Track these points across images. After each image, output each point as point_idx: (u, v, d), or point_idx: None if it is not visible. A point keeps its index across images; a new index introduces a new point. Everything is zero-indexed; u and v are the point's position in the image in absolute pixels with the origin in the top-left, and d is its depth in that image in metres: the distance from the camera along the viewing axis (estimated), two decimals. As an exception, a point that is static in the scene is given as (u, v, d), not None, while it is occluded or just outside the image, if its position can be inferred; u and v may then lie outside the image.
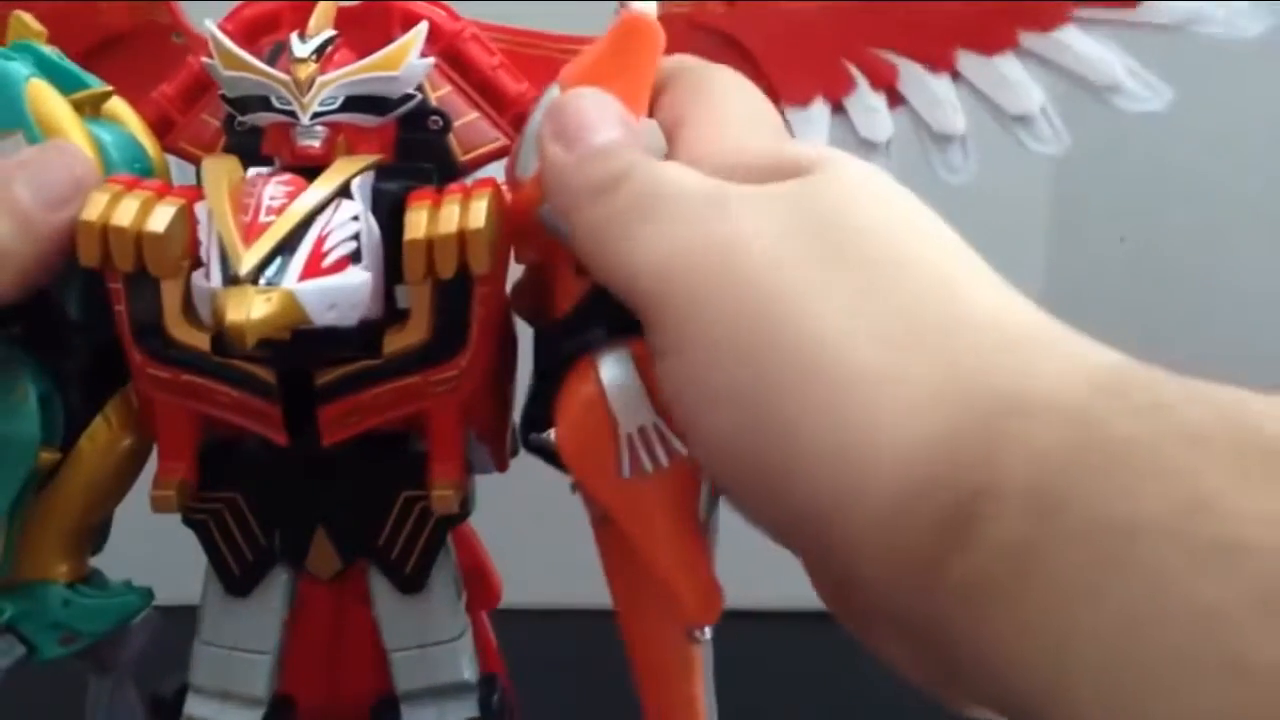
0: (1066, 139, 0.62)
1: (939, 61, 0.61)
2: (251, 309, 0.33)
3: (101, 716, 0.48)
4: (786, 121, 0.61)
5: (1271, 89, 0.82)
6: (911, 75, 0.61)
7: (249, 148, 0.40)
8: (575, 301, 0.40)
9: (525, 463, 0.43)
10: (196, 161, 0.43)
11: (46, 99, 0.40)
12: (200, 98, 0.47)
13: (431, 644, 0.44)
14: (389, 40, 0.41)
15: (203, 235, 0.36)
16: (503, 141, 0.45)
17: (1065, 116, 0.62)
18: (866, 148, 0.62)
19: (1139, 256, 0.87)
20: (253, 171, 0.38)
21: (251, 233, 0.34)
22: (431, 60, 0.42)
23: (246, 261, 0.33)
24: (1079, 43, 0.61)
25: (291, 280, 0.34)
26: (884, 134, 0.62)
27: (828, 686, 0.77)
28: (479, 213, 0.38)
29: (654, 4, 0.41)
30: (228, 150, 0.42)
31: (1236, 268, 0.87)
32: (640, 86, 0.40)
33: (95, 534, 0.44)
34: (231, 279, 0.34)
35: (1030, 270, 0.85)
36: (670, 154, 0.39)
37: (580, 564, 0.43)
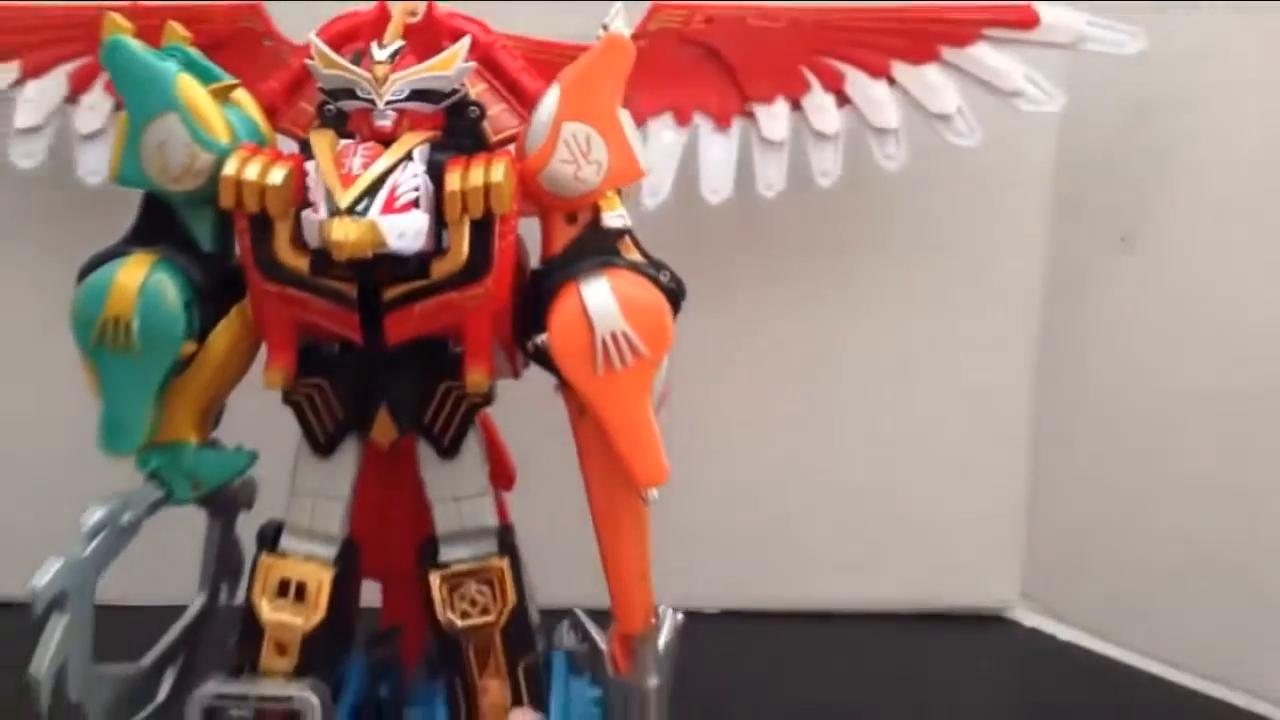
0: (980, 134, 0.77)
1: (877, 69, 0.76)
2: (349, 231, 0.48)
3: (214, 550, 0.64)
4: (754, 115, 0.77)
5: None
6: (855, 80, 0.77)
7: (335, 126, 0.56)
8: (565, 242, 0.56)
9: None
10: (296, 138, 0.59)
11: (192, 89, 0.55)
12: (298, 91, 0.63)
13: (463, 497, 0.59)
14: (440, 49, 0.56)
15: (310, 185, 0.52)
16: (518, 128, 0.60)
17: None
18: (819, 138, 0.78)
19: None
20: (343, 142, 0.53)
21: (347, 181, 0.50)
22: (473, 64, 0.57)
23: (344, 200, 0.49)
24: (989, 56, 0.76)
25: (374, 214, 0.50)
26: (833, 128, 0.77)
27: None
28: (499, 170, 0.53)
29: (627, 28, 0.56)
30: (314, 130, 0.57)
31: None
32: (618, 88, 0.55)
33: (214, 412, 0.59)
34: (334, 212, 0.49)
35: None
36: None
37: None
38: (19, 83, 0.81)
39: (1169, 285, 0.85)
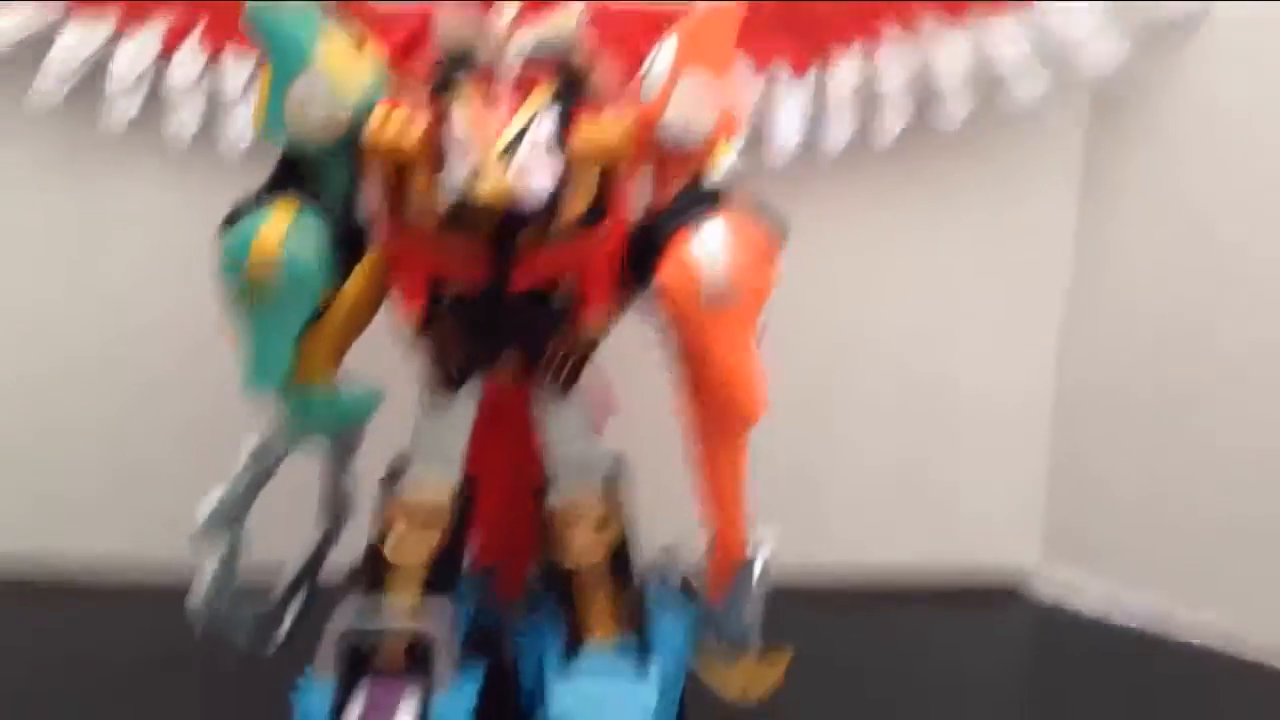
0: (1043, 85, 0.79)
1: (952, 18, 0.79)
2: (495, 181, 0.52)
3: (330, 487, 0.67)
4: (828, 66, 0.79)
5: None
6: (926, 33, 0.79)
7: (459, 82, 0.58)
8: (676, 191, 0.60)
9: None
10: (415, 87, 0.61)
11: (331, 48, 0.58)
12: (416, 48, 0.66)
13: (576, 436, 0.63)
14: (551, 10, 0.59)
15: (451, 138, 0.55)
16: (626, 81, 0.63)
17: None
18: (886, 96, 0.80)
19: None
20: (477, 98, 0.56)
21: (490, 134, 0.54)
22: (586, 24, 0.60)
23: (490, 152, 0.53)
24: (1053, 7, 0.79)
25: (516, 165, 0.54)
26: (900, 80, 0.80)
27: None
28: (624, 123, 0.57)
29: None
30: (441, 80, 0.59)
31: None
32: (731, 41, 0.59)
33: (344, 356, 0.63)
34: (479, 164, 0.53)
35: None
36: None
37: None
38: (113, 40, 0.83)
39: (1202, 238, 0.86)
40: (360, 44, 0.60)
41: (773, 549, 0.62)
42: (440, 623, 0.60)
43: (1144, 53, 0.83)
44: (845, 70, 0.81)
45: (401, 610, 0.61)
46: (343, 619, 0.60)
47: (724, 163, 0.60)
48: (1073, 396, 0.93)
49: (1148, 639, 0.89)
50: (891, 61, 0.81)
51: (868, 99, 0.82)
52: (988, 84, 0.82)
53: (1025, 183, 0.89)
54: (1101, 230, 0.90)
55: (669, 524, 0.66)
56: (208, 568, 0.56)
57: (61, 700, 0.74)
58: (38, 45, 0.82)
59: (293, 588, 0.65)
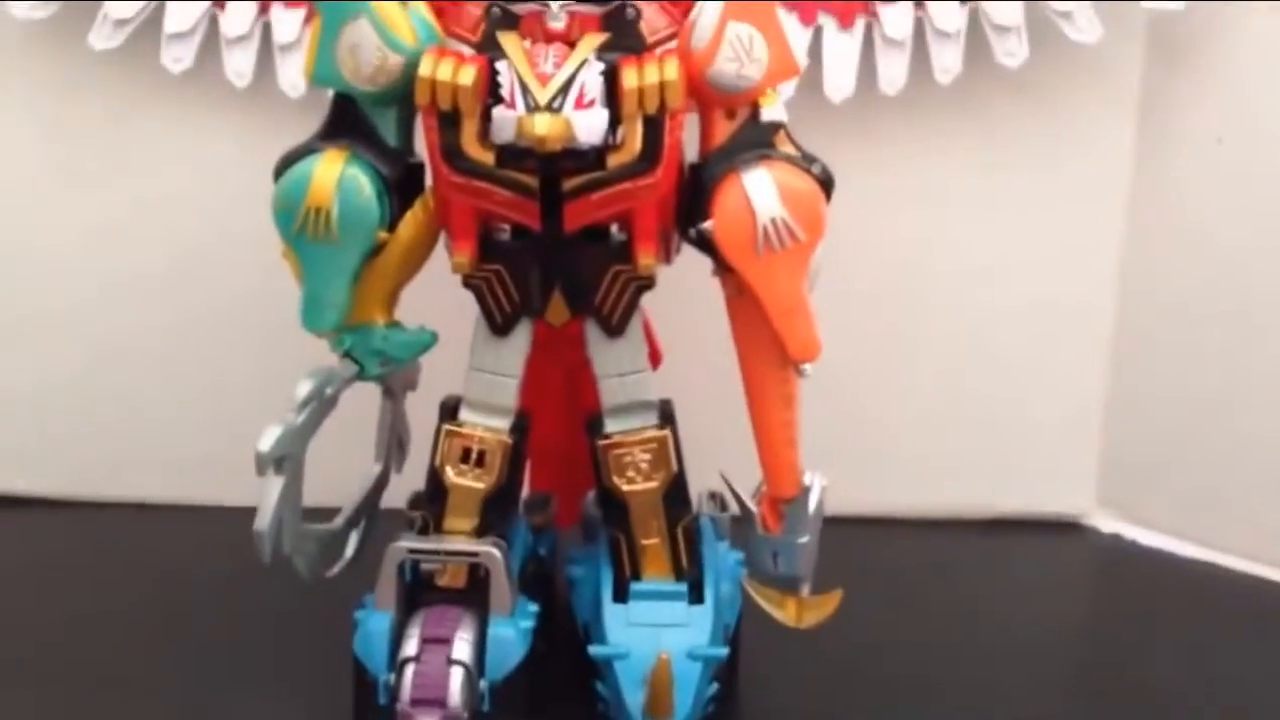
0: (1099, 30, 0.79)
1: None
2: (548, 126, 0.53)
3: (387, 425, 0.70)
4: (877, 14, 0.80)
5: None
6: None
7: (506, 28, 0.60)
8: (726, 137, 0.61)
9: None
10: (466, 40, 0.63)
11: (385, -9, 0.60)
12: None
13: (629, 372, 0.64)
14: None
15: (503, 83, 0.56)
16: (675, 28, 0.63)
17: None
18: (941, 35, 0.81)
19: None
20: (527, 43, 0.58)
21: (542, 80, 0.55)
22: (633, -29, 0.61)
23: (543, 97, 0.54)
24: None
25: (569, 110, 0.55)
26: (955, 25, 0.80)
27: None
28: (672, 69, 0.58)
29: None
30: (487, 32, 0.61)
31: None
32: None
33: (398, 296, 0.65)
34: (533, 108, 0.54)
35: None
36: None
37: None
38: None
39: (1259, 182, 0.86)
40: None
41: (826, 485, 0.64)
42: (498, 548, 0.62)
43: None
44: (895, 17, 0.81)
45: (460, 536, 0.63)
46: (402, 544, 0.63)
47: (773, 108, 0.61)
48: (1132, 330, 0.93)
49: (1207, 570, 0.89)
50: (942, 6, 0.81)
51: (923, 40, 0.82)
52: (1044, 22, 0.82)
53: (1083, 120, 0.89)
54: (1160, 166, 0.90)
55: (717, 467, 0.67)
56: (270, 496, 0.58)
57: (128, 617, 0.78)
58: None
59: (354, 516, 0.68)
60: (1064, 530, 0.96)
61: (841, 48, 0.81)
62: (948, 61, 0.81)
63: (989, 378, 0.94)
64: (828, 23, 0.81)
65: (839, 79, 0.82)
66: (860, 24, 0.81)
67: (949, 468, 0.95)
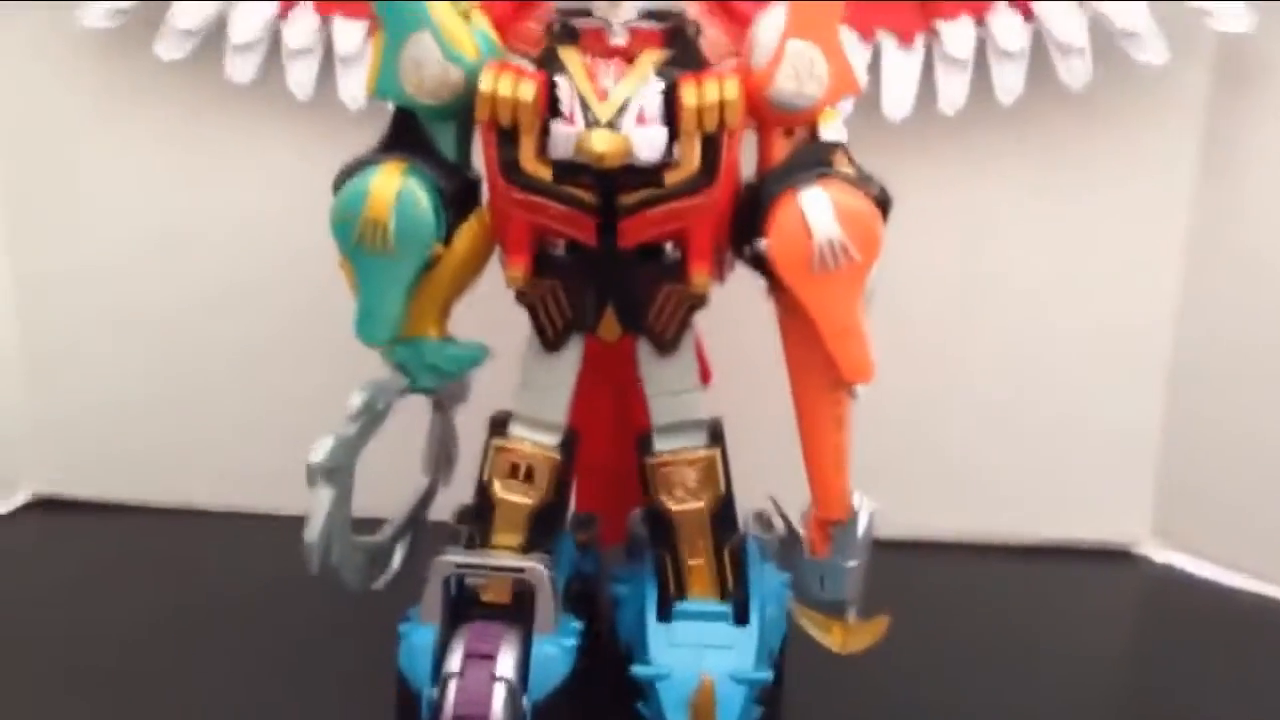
0: (1165, 52, 0.78)
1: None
2: (608, 143, 0.53)
3: (436, 438, 0.70)
4: (937, 33, 0.79)
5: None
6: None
7: (567, 43, 0.60)
8: (784, 155, 0.60)
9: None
10: (526, 55, 0.63)
11: (442, 9, 0.60)
12: (523, 12, 0.67)
13: (680, 391, 0.64)
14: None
15: (563, 99, 0.56)
16: (733, 46, 0.63)
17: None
18: (1003, 55, 0.80)
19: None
20: (588, 58, 0.58)
21: (602, 96, 0.55)
22: (693, -10, 0.61)
23: (604, 113, 0.54)
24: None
25: (629, 127, 0.55)
26: (1019, 44, 0.80)
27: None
28: (732, 88, 0.57)
29: None
30: (548, 47, 0.61)
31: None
32: (841, 7, 0.59)
33: (451, 310, 0.65)
34: (593, 124, 0.54)
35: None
36: None
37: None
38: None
39: None
40: (466, 13, 0.61)
41: (876, 509, 0.63)
42: (544, 564, 0.62)
43: (1270, 16, 0.81)
44: (956, 35, 0.80)
45: (506, 551, 0.63)
46: (449, 557, 0.63)
47: (832, 127, 0.60)
48: (1191, 363, 0.92)
49: (1262, 603, 0.88)
50: (1005, 25, 0.80)
51: (983, 59, 0.81)
52: (1108, 43, 0.81)
53: (1146, 143, 0.88)
54: (1223, 191, 0.88)
55: (765, 488, 0.67)
56: (320, 507, 0.59)
57: (177, 623, 0.80)
58: (162, 4, 0.86)
59: (401, 529, 0.68)
60: (1115, 559, 0.94)
61: (901, 66, 0.81)
62: (1009, 81, 0.80)
63: (1044, 402, 0.93)
64: (887, 40, 0.80)
65: (898, 97, 0.81)
66: (920, 42, 0.80)
67: (1000, 492, 0.94)
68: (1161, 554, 0.94)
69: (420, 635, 0.62)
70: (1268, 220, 0.87)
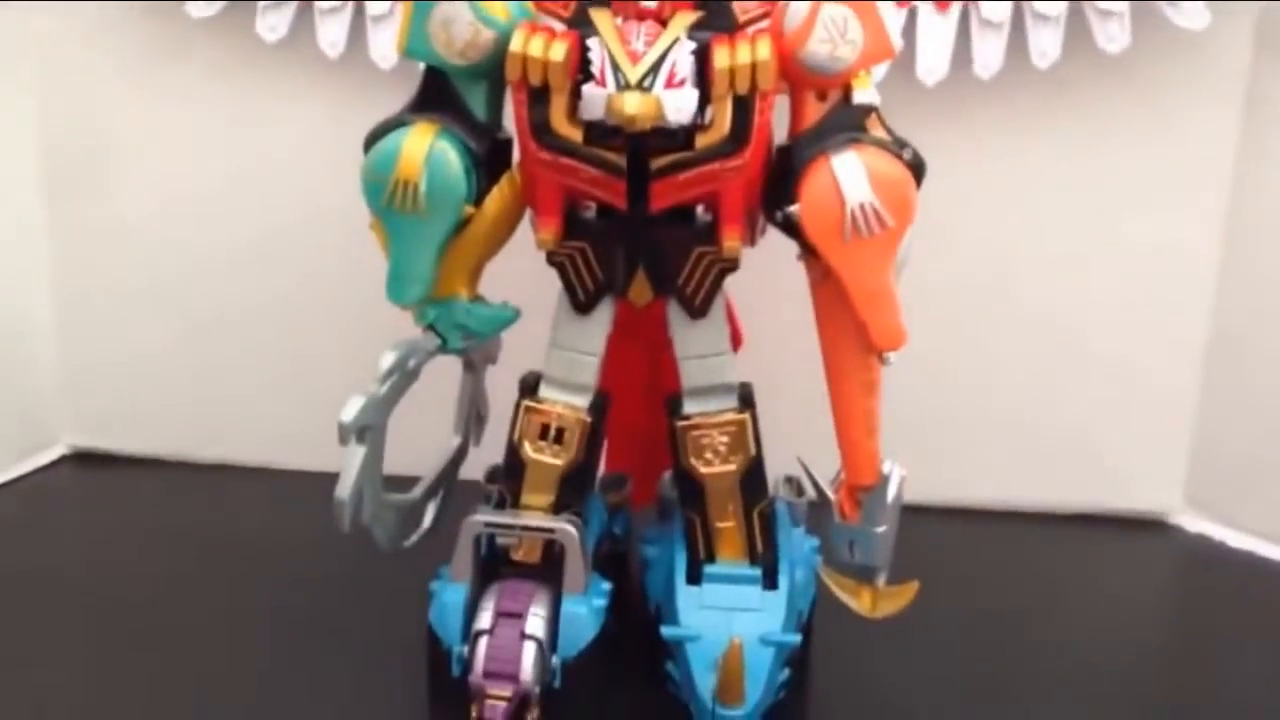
0: (1206, 17, 0.77)
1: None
2: (639, 104, 0.53)
3: (467, 398, 0.70)
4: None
5: None
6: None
7: (600, 5, 0.59)
8: (816, 119, 0.60)
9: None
10: (559, 17, 0.63)
11: (477, -33, 0.60)
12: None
13: (710, 354, 0.64)
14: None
15: (594, 60, 0.56)
16: (765, 8, 0.63)
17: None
18: (1040, 19, 0.79)
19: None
20: (619, 20, 0.57)
21: (634, 58, 0.55)
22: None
23: (634, 75, 0.54)
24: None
25: (659, 89, 0.55)
26: (1056, 9, 0.78)
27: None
28: (765, 49, 0.57)
29: None
30: (579, 8, 0.61)
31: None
32: None
33: (482, 271, 0.65)
34: (623, 86, 0.54)
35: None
36: None
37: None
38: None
39: None
40: None
41: (905, 474, 0.63)
42: (573, 525, 0.62)
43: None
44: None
45: (536, 512, 0.64)
46: (479, 517, 0.63)
47: (866, 91, 0.60)
48: (1226, 333, 0.91)
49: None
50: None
51: (1020, 22, 0.80)
52: (1147, 7, 0.79)
53: (1186, 110, 0.86)
54: (1264, 159, 0.87)
55: (795, 453, 0.67)
56: (352, 465, 0.59)
57: (212, 577, 0.80)
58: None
59: (432, 488, 0.69)
60: (1149, 528, 0.94)
61: (936, 29, 0.80)
62: (1046, 45, 0.79)
63: (1078, 370, 0.92)
64: (923, 4, 0.79)
65: (933, 62, 0.80)
66: (956, 6, 0.79)
67: (1032, 459, 0.94)
68: (1195, 523, 0.94)
69: (451, 593, 0.63)
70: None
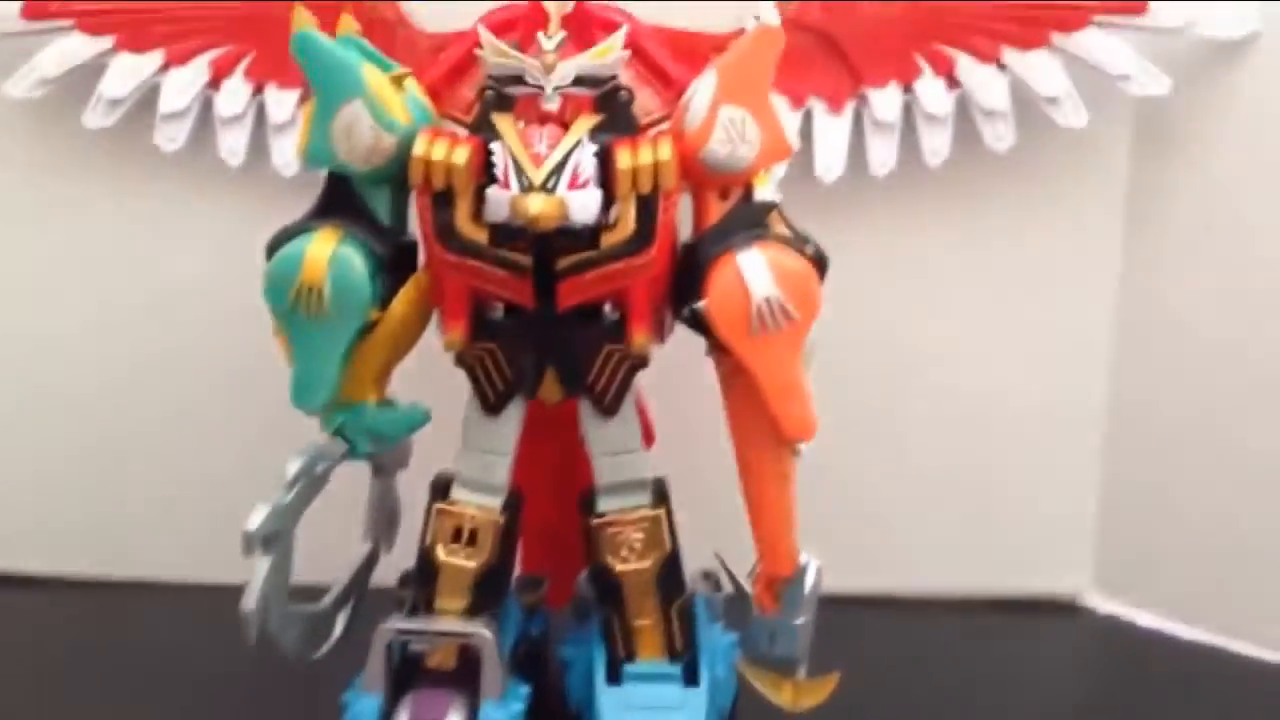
0: (1085, 116, 0.81)
1: (988, 55, 0.81)
2: (543, 205, 0.53)
3: (376, 503, 0.69)
4: (866, 99, 0.81)
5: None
6: (966, 65, 0.81)
7: (500, 110, 0.60)
8: (719, 216, 0.61)
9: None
10: (459, 121, 0.64)
11: (375, 76, 0.60)
12: (458, 77, 0.68)
13: (622, 451, 0.64)
14: (593, 38, 0.61)
15: (498, 162, 0.57)
16: (667, 110, 0.64)
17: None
18: (930, 120, 0.82)
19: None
20: (521, 124, 0.58)
21: (537, 160, 0.55)
22: (627, 53, 0.62)
23: (538, 177, 0.54)
24: (1098, 41, 0.80)
25: (563, 190, 0.55)
26: (944, 110, 0.82)
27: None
28: (666, 149, 0.58)
29: (778, 17, 0.61)
30: (481, 113, 0.61)
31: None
32: (771, 73, 0.60)
33: (390, 374, 0.64)
34: (527, 188, 0.55)
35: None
36: None
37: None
38: (163, 69, 0.86)
39: (1246, 270, 0.85)
40: (399, 81, 0.61)
41: (821, 565, 0.63)
42: (489, 629, 0.62)
43: (1189, 78, 0.83)
44: (884, 101, 0.82)
45: (450, 616, 0.63)
46: (391, 624, 0.62)
47: (766, 188, 0.61)
48: (1125, 414, 0.93)
49: (1207, 652, 0.88)
50: (932, 93, 0.82)
51: (911, 123, 0.83)
52: (1030, 107, 0.83)
53: (1071, 203, 0.89)
54: (1148, 251, 0.90)
55: (711, 547, 0.67)
56: (259, 575, 0.58)
57: (118, 695, 0.77)
58: (90, 74, 0.86)
59: (342, 596, 0.67)
60: (1060, 610, 0.95)
61: (832, 129, 0.82)
62: (937, 145, 0.82)
63: (982, 457, 0.93)
64: (817, 106, 0.82)
65: (830, 160, 0.82)
66: (850, 107, 0.82)
67: (943, 547, 0.94)
68: (1106, 604, 0.95)
69: (364, 704, 0.61)
70: (1193, 276, 0.89)
